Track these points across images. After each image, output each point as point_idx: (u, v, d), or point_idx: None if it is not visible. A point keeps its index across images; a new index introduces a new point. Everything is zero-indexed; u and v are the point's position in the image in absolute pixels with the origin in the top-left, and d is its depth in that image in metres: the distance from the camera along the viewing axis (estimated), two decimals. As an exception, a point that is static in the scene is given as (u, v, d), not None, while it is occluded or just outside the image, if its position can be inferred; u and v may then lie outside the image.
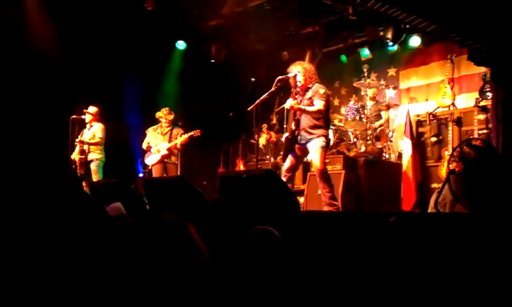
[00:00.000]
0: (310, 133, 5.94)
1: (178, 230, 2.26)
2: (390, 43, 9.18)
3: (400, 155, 8.29)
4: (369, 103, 8.59)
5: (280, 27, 9.60)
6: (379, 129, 8.62)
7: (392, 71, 10.30)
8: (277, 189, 5.22)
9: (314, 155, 5.91)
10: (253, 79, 9.54)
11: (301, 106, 5.93)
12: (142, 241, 2.44)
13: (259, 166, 7.46)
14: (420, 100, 9.54)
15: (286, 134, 6.12)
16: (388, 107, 8.71)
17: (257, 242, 2.83)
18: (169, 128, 8.54)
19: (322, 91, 6.02)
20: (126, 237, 3.50)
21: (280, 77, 6.07)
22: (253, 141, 9.64)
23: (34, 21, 8.06)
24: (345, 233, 3.61)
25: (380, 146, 8.48)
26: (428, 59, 9.75)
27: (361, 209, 7.05)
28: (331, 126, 8.62)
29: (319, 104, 5.94)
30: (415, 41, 9.33)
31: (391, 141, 8.60)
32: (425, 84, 9.76)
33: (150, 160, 8.52)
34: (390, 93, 9.30)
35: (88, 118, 8.53)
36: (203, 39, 10.45)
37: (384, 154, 8.38)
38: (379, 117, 8.77)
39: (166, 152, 8.37)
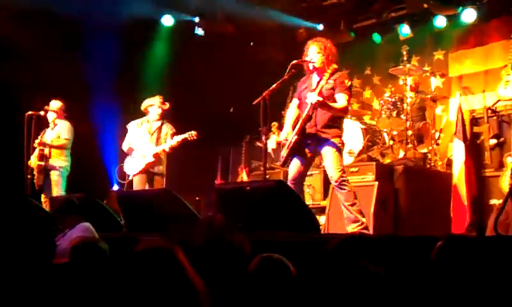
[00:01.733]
0: (325, 133, 5.93)
1: (163, 260, 2.25)
2: (438, 18, 9.17)
3: (449, 162, 8.25)
4: (409, 95, 8.57)
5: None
6: (422, 128, 8.59)
7: (439, 55, 10.26)
8: (290, 205, 5.21)
9: (330, 161, 5.89)
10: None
11: (328, 102, 5.90)
12: (117, 273, 2.43)
13: (267, 176, 7.45)
14: (476, 92, 9.50)
15: (293, 134, 6.06)
16: (434, 100, 8.69)
17: (263, 274, 2.81)
18: (158, 125, 8.39)
19: (348, 82, 6.02)
20: (97, 269, 3.50)
21: (294, 62, 6.06)
22: (259, 144, 9.66)
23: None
24: (378, 261, 3.59)
25: (424, 151, 8.46)
26: (486, 38, 9.72)
27: (400, 231, 7.02)
28: (360, 125, 8.64)
29: (343, 100, 5.92)
30: (468, 15, 9.30)
31: (438, 144, 8.58)
32: (482, 70, 9.72)
33: (131, 168, 8.37)
34: (436, 82, 9.27)
35: (51, 115, 8.57)
36: (196, 13, 10.48)
37: (429, 161, 8.36)
38: (422, 113, 8.75)
39: (152, 159, 8.23)
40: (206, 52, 10.75)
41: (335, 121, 6.00)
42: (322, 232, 6.37)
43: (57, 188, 8.37)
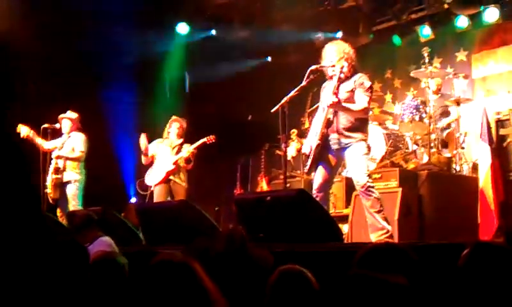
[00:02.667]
0: (348, 137, 5.90)
1: (182, 274, 2.25)
2: (459, 18, 9.11)
3: (475, 166, 8.19)
4: (432, 98, 8.53)
5: (313, 1, 9.61)
6: (446, 132, 8.54)
7: (461, 55, 10.21)
8: (312, 215, 5.20)
9: (355, 166, 5.87)
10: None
11: (345, 104, 5.86)
12: (137, 288, 2.45)
13: (288, 185, 7.44)
14: (501, 93, 9.43)
15: (316, 140, 6.02)
16: (458, 102, 8.63)
17: (284, 287, 2.79)
18: (179, 141, 8.60)
19: (368, 83, 5.99)
20: (117, 284, 3.52)
21: (312, 68, 6.05)
22: (279, 152, 9.64)
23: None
24: (403, 271, 3.57)
25: (448, 155, 8.40)
26: (509, 37, 9.65)
27: (424, 239, 6.98)
28: (382, 130, 8.61)
29: (364, 101, 5.90)
30: (491, 14, 9.24)
31: (463, 148, 8.52)
32: (506, 70, 9.65)
33: (152, 178, 8.54)
34: (459, 84, 9.21)
35: (66, 125, 8.62)
36: (211, 21, 10.51)
37: (454, 165, 8.30)
38: (446, 115, 8.70)
39: (173, 167, 8.38)
40: (224, 61, 10.79)
41: (358, 124, 5.95)
42: (345, 241, 6.34)
43: (74, 202, 8.40)
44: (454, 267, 2.59)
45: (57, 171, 8.44)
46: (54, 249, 3.07)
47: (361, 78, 6.00)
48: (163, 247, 5.77)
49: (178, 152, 8.47)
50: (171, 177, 8.44)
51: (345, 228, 7.15)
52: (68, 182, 8.46)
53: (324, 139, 5.97)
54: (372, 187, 5.86)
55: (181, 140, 8.61)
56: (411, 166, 8.22)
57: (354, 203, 7.18)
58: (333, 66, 5.99)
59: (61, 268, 3.19)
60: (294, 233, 5.10)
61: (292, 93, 6.07)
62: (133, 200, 10.15)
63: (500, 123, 8.08)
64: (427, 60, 8.85)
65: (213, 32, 10.80)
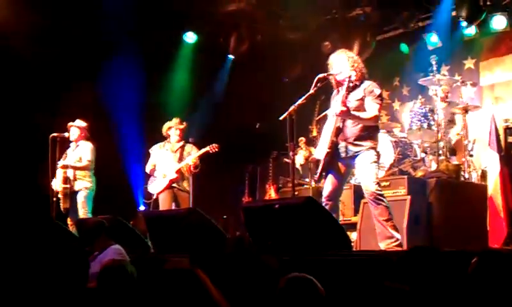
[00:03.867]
0: (357, 145, 5.89)
1: (188, 281, 2.25)
2: (466, 25, 9.09)
3: (484, 174, 8.15)
4: (440, 106, 8.51)
5: (320, 9, 9.61)
6: (455, 139, 8.52)
7: (469, 63, 10.18)
8: (320, 222, 5.18)
9: (364, 174, 5.86)
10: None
11: (354, 112, 5.86)
12: (145, 295, 2.45)
13: (296, 193, 7.43)
14: (509, 100, 9.39)
15: (325, 148, 6.02)
16: (466, 110, 8.61)
17: (291, 295, 2.78)
18: (180, 144, 8.57)
19: (377, 91, 5.98)
20: (126, 292, 3.52)
21: (320, 76, 6.04)
22: (287, 160, 9.62)
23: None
24: (412, 278, 3.55)
25: (457, 163, 8.37)
26: (517, 45, 9.65)
27: (434, 246, 6.94)
28: (390, 138, 8.59)
29: (374, 109, 5.89)
30: (498, 22, 9.22)
31: (471, 155, 8.49)
32: (514, 78, 9.64)
33: (155, 187, 8.54)
34: (467, 92, 9.19)
35: (74, 134, 8.62)
36: (218, 30, 10.53)
37: (462, 173, 8.27)
38: (453, 123, 8.68)
39: (175, 175, 8.37)
40: (231, 70, 10.81)
41: (368, 132, 5.94)
42: (353, 249, 6.32)
43: (84, 210, 8.40)
44: (463, 275, 2.57)
45: (66, 180, 8.42)
46: (56, 257, 3.08)
47: (371, 86, 5.99)
48: (171, 254, 5.78)
49: (180, 156, 8.44)
50: (174, 184, 8.45)
51: (353, 235, 7.13)
52: (78, 191, 8.46)
53: (334, 147, 5.97)
54: (381, 195, 5.85)
55: (182, 142, 8.59)
56: (419, 174, 8.20)
57: (362, 211, 7.17)
58: (341, 73, 6.00)
59: (61, 275, 3.19)
60: (302, 241, 5.09)
61: (300, 101, 6.07)
62: (142, 208, 10.15)
63: (509, 131, 8.03)
64: (434, 68, 8.85)
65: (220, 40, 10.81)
